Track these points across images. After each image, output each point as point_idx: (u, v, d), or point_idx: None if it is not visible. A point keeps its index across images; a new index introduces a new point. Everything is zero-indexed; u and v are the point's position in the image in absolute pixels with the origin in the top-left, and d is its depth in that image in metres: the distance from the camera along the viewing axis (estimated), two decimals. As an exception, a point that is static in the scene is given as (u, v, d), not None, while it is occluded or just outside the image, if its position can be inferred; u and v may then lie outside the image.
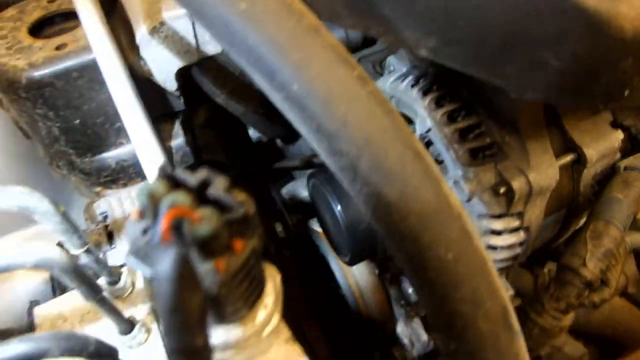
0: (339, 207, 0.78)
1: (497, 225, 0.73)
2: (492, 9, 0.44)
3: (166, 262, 0.26)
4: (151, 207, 0.30)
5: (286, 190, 1.44)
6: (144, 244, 0.31)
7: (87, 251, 0.58)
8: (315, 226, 1.27)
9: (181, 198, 0.29)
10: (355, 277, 1.17)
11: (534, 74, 0.45)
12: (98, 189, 0.91)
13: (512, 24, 0.43)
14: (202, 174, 0.32)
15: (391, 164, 0.43)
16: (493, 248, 0.76)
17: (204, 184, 0.31)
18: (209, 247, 0.30)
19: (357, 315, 1.19)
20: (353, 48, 0.99)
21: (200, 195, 0.31)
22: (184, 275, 0.26)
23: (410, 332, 1.22)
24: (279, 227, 1.61)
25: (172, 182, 0.31)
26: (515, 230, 0.75)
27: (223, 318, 0.34)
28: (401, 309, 1.14)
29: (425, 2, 0.48)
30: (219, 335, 0.38)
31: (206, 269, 0.30)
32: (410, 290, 1.03)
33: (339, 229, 0.81)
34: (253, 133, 1.27)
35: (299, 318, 1.75)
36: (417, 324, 1.20)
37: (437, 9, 0.48)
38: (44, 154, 0.87)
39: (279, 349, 0.43)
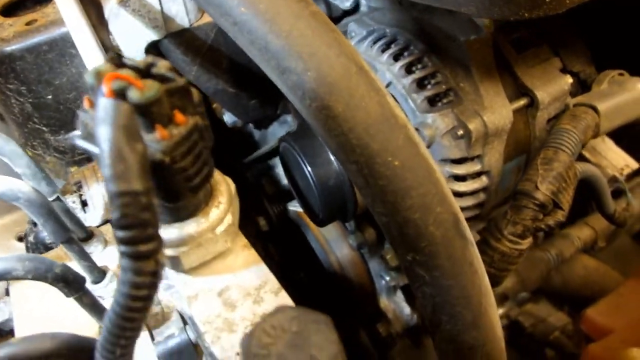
0: (308, 165, 0.80)
1: (459, 170, 0.76)
2: None
3: (109, 110, 0.28)
4: (97, 84, 0.32)
5: (265, 180, 1.46)
6: (93, 128, 0.34)
7: (57, 199, 0.59)
8: (294, 206, 1.29)
9: (126, 71, 0.32)
10: (335, 253, 1.18)
11: (465, -11, 0.48)
12: (73, 168, 0.92)
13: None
14: (147, 58, 0.34)
15: (336, 77, 0.46)
16: (458, 195, 0.79)
17: (149, 65, 0.34)
18: (152, 115, 0.32)
19: (340, 293, 1.20)
20: (334, 19, 1.02)
21: (145, 74, 0.34)
22: (127, 124, 0.29)
23: (394, 305, 1.23)
24: (262, 221, 1.62)
25: (120, 64, 0.34)
26: (477, 175, 0.78)
27: (174, 196, 0.36)
28: (382, 282, 1.16)
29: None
30: (174, 230, 0.40)
31: (150, 138, 0.33)
32: (388, 256, 1.04)
33: (309, 188, 0.83)
34: (229, 118, 1.29)
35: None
36: (399, 297, 1.22)
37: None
38: (19, 135, 0.89)
39: (237, 255, 0.45)
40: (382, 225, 0.51)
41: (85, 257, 0.58)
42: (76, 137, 0.34)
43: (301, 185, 0.87)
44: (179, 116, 0.33)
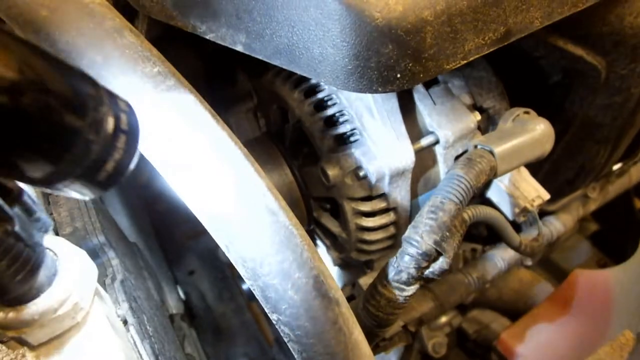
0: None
1: (365, 207, 0.78)
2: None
3: None
4: None
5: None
6: None
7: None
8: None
9: None
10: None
11: (322, 63, 0.49)
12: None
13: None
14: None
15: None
16: (368, 229, 0.81)
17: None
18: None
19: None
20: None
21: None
22: None
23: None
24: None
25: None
26: (384, 211, 0.80)
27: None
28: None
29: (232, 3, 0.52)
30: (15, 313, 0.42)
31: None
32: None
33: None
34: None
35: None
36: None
37: (241, 7, 0.52)
38: None
39: (88, 329, 0.47)
40: (249, 286, 0.53)
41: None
42: None
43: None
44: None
